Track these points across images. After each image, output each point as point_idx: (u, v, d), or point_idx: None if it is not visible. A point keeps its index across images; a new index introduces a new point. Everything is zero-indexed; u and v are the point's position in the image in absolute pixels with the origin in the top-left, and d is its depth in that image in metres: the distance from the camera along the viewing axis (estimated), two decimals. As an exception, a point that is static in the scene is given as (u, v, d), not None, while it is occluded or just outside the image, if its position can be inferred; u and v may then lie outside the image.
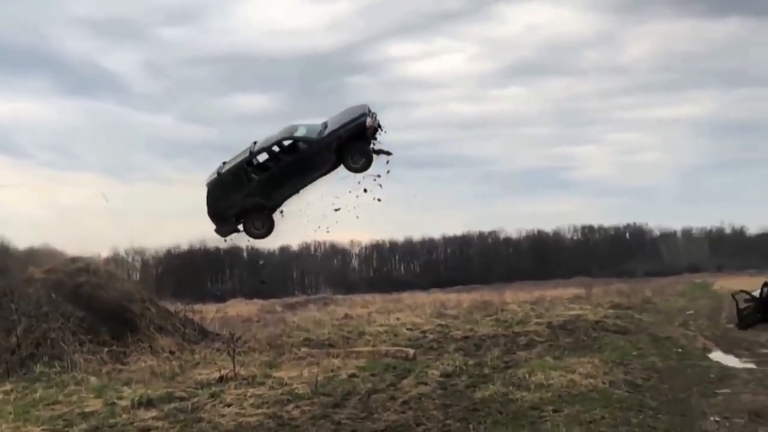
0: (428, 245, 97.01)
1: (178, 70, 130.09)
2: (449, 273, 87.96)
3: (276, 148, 18.34)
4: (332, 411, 10.93)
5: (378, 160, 18.29)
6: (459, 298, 40.58)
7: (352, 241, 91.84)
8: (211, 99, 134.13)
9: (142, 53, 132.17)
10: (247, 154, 18.51)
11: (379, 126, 18.56)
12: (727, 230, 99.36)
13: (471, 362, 15.22)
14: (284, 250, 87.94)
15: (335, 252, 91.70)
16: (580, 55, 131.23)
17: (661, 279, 64.84)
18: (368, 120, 18.25)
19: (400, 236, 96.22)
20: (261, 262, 79.13)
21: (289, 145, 18.43)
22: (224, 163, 19.11)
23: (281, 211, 18.78)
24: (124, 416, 10.91)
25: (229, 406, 11.36)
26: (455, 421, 10.07)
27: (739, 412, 10.45)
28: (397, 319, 26.18)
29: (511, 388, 11.96)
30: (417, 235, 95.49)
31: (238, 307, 38.62)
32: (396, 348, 17.60)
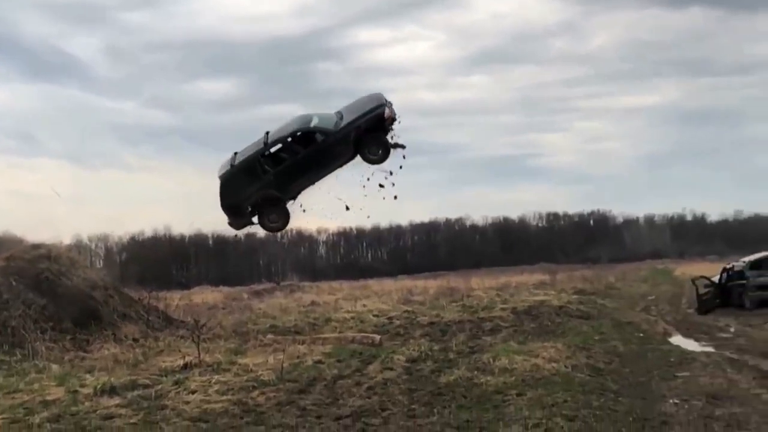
0: (395, 232, 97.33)
1: (142, 55, 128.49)
2: (416, 260, 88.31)
3: (292, 140, 17.87)
4: (298, 397, 10.92)
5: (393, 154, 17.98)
6: (426, 285, 40.75)
7: (318, 228, 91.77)
8: (175, 84, 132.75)
9: (103, 38, 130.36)
10: (262, 145, 17.96)
11: (396, 116, 18.15)
12: (689, 217, 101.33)
13: (436, 347, 15.31)
14: (250, 237, 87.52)
15: (302, 239, 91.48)
16: (546, 43, 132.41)
17: (625, 265, 65.92)
18: (386, 110, 17.83)
19: (367, 224, 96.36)
20: None
21: (305, 137, 17.93)
22: (236, 153, 18.56)
23: (300, 204, 18.41)
24: (87, 404, 10.77)
25: (193, 393, 11.27)
26: (420, 406, 10.13)
27: (697, 394, 10.67)
28: (364, 305, 26.20)
29: (475, 372, 12.05)
30: (384, 223, 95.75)
31: (204, 295, 38.39)
32: (362, 334, 17.64)
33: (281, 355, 13.68)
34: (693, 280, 27.24)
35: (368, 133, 17.79)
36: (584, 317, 21.39)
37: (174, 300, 26.72)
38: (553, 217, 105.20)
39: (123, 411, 10.31)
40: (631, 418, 9.18)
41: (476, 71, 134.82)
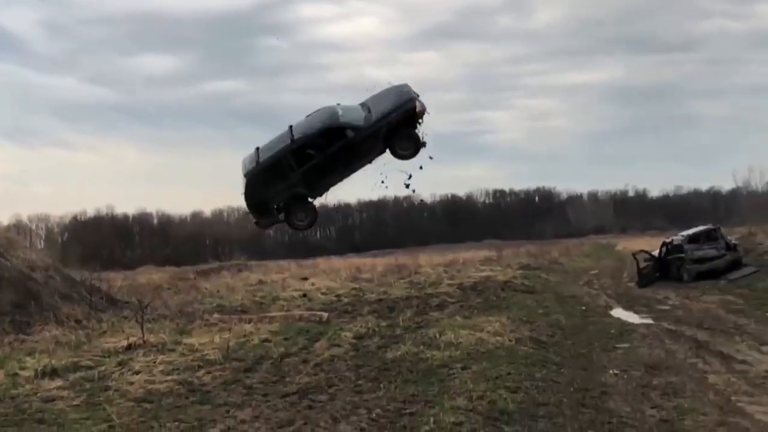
0: (344, 210, 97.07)
1: (81, 29, 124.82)
2: (365, 238, 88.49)
3: (320, 135, 17.25)
4: (244, 375, 10.88)
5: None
6: (374, 262, 40.89)
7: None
8: (116, 60, 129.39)
9: (40, 11, 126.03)
10: (288, 141, 17.29)
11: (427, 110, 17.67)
12: (631, 193, 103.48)
13: (384, 324, 15.42)
14: (196, 216, 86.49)
15: (249, 218, 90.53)
16: (492, 20, 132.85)
17: (569, 240, 67.12)
18: (418, 104, 17.37)
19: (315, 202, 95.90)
20: None
21: (334, 132, 17.32)
22: (258, 149, 17.90)
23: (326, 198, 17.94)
24: (27, 387, 10.54)
25: (137, 373, 11.13)
26: (367, 381, 10.20)
27: (636, 365, 10.98)
28: (312, 284, 26.22)
29: (421, 347, 12.18)
30: (332, 200, 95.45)
31: (149, 275, 37.74)
32: (310, 312, 17.64)
33: (227, 335, 13.60)
34: (634, 255, 27.93)
35: (399, 128, 17.38)
36: (528, 292, 21.78)
37: (117, 281, 26.26)
38: (499, 194, 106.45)
39: (65, 393, 10.12)
40: (572, 389, 9.41)
41: (423, 47, 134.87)
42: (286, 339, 13.77)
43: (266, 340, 13.63)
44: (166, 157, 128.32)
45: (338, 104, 18.49)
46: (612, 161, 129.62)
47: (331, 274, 31.90)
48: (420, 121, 17.58)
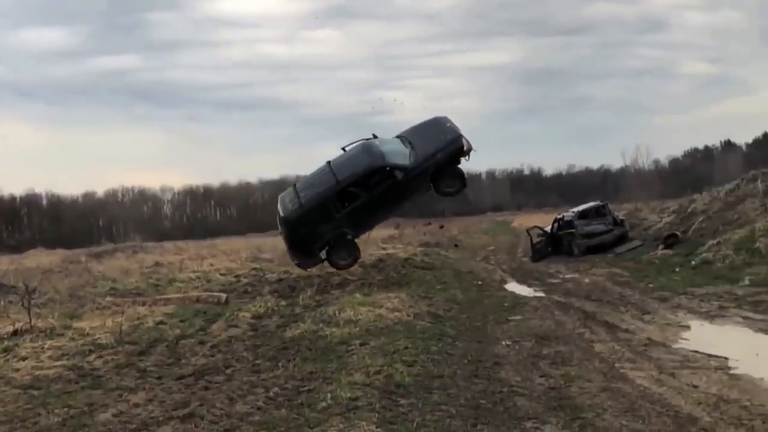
0: (245, 190, 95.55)
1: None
2: (267, 217, 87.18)
3: (366, 175, 16.98)
4: (137, 359, 10.61)
5: None
6: (276, 242, 40.45)
7: (162, 186, 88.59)
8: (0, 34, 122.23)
9: None
10: (332, 181, 16.87)
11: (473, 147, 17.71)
12: (527, 172, 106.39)
13: (284, 303, 15.33)
14: (89, 196, 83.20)
15: (145, 198, 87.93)
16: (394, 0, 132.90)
17: (468, 218, 68.50)
18: (465, 143, 17.30)
19: (214, 181, 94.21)
20: None
21: (381, 173, 17.02)
22: (295, 186, 17.50)
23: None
24: None
25: (24, 359, 10.70)
26: (265, 361, 10.15)
27: (527, 336, 11.38)
28: (211, 264, 25.71)
29: (321, 325, 12.20)
30: (233, 180, 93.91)
31: (38, 258, 36.13)
32: (207, 293, 17.31)
33: (120, 318, 13.19)
34: (528, 230, 28.89)
35: (445, 166, 17.32)
36: (428, 268, 22.11)
37: (3, 264, 25.03)
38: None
39: (-57, 383, 9.60)
40: (466, 361, 9.66)
41: (323, 25, 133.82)
42: (182, 321, 13.48)
43: (161, 323, 13.30)
44: (56, 135, 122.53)
45: (375, 136, 18.17)
46: (511, 141, 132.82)
47: (231, 255, 31.38)
48: (467, 158, 17.65)
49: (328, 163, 17.65)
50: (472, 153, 17.59)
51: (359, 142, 18.12)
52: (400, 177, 16.93)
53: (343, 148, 18.24)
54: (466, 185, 18.24)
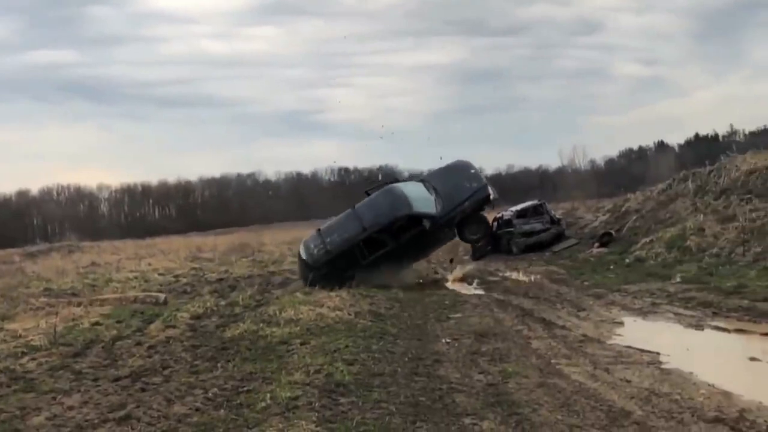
0: (184, 188, 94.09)
1: None
2: (207, 216, 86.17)
3: (393, 224, 17.27)
4: (72, 361, 10.36)
5: None
6: (216, 241, 40.12)
7: (99, 184, 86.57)
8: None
9: None
10: (359, 228, 17.11)
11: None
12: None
13: (223, 303, 15.19)
14: (22, 194, 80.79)
15: (81, 196, 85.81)
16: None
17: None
18: (491, 193, 17.76)
19: (153, 179, 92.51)
20: None
21: (408, 221, 17.26)
22: (320, 231, 17.62)
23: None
24: None
25: (-49, 364, 10.33)
26: (204, 361, 10.02)
27: (467, 333, 11.51)
28: (149, 264, 25.38)
29: (261, 325, 12.11)
30: (172, 178, 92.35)
31: (-32, 259, 34.93)
32: (145, 293, 17.05)
33: (54, 319, 12.87)
34: (469, 230, 29.13)
35: (471, 213, 17.75)
36: (370, 267, 22.16)
37: (-70, 265, 24.12)
38: (344, 172, 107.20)
39: None
40: (406, 359, 9.72)
41: (264, 22, 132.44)
42: (118, 322, 13.22)
43: (97, 324, 13.03)
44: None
45: (398, 182, 18.30)
46: (452, 140, 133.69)
47: (170, 254, 31.01)
48: (491, 206, 18.25)
49: (353, 208, 17.89)
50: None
51: (383, 187, 18.69)
52: (428, 226, 17.33)
53: (367, 192, 18.70)
54: (488, 232, 18.92)
